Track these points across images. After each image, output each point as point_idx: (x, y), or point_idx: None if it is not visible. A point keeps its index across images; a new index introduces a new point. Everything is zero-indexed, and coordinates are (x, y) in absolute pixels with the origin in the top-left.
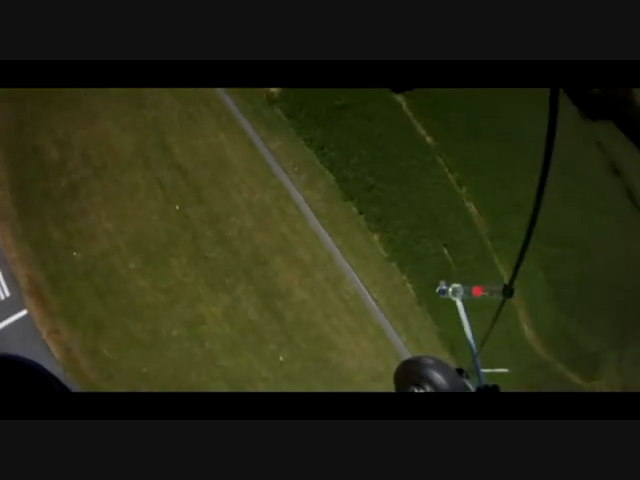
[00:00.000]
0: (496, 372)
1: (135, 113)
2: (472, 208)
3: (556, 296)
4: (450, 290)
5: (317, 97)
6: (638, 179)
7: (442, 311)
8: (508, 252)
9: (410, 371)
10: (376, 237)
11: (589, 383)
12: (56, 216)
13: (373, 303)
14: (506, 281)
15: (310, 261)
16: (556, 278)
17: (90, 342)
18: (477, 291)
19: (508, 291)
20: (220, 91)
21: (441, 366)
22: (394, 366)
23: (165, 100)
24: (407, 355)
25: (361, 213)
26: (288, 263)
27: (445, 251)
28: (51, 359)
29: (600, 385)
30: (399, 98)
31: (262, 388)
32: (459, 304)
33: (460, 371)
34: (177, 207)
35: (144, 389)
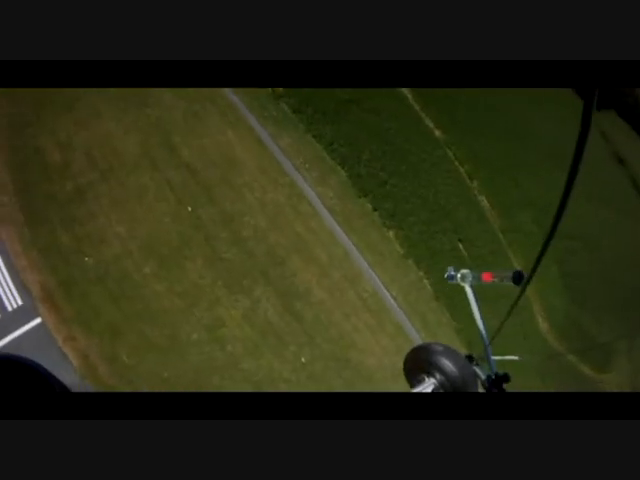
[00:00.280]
0: (506, 359)
1: (138, 112)
2: (484, 202)
3: (567, 288)
4: (459, 276)
5: (322, 91)
6: None
7: (459, 307)
8: (521, 245)
9: (419, 358)
10: (391, 233)
11: (599, 375)
12: (64, 220)
13: (392, 300)
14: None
15: (327, 260)
16: (568, 270)
17: (108, 348)
18: (487, 277)
19: (518, 277)
20: (225, 88)
21: (451, 353)
22: None
23: (168, 98)
24: None
25: (375, 210)
26: (305, 262)
27: (460, 246)
28: (69, 366)
29: (610, 377)
30: (404, 91)
31: (285, 390)
32: (468, 290)
33: (470, 358)
34: (189, 208)
35: None
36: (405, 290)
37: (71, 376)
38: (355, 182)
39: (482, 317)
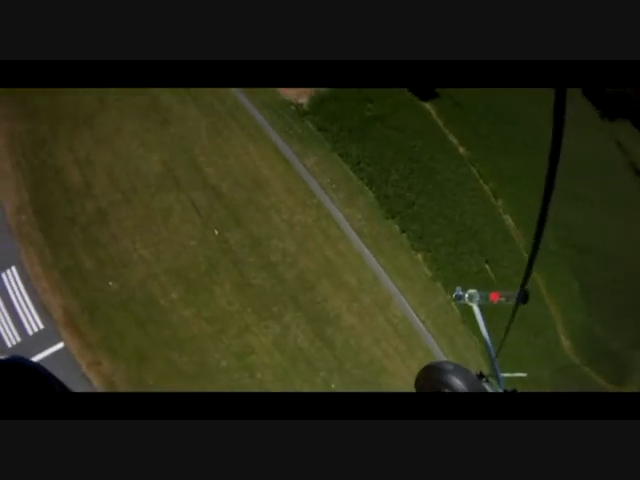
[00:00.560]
0: (515, 376)
1: (159, 130)
2: (509, 220)
3: (587, 303)
4: (467, 296)
5: (346, 108)
6: None
7: None
8: (546, 266)
9: (430, 377)
10: (420, 256)
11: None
12: (85, 242)
13: (421, 325)
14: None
15: (356, 284)
16: (587, 284)
17: (134, 374)
18: (494, 297)
19: (523, 296)
20: (248, 104)
21: (461, 371)
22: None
23: (190, 115)
24: None
25: (403, 231)
26: (335, 287)
27: (487, 267)
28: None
29: (627, 389)
30: (427, 106)
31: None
32: (476, 309)
33: (481, 375)
34: (216, 232)
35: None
36: (434, 314)
37: None
38: (383, 203)
39: (490, 336)
